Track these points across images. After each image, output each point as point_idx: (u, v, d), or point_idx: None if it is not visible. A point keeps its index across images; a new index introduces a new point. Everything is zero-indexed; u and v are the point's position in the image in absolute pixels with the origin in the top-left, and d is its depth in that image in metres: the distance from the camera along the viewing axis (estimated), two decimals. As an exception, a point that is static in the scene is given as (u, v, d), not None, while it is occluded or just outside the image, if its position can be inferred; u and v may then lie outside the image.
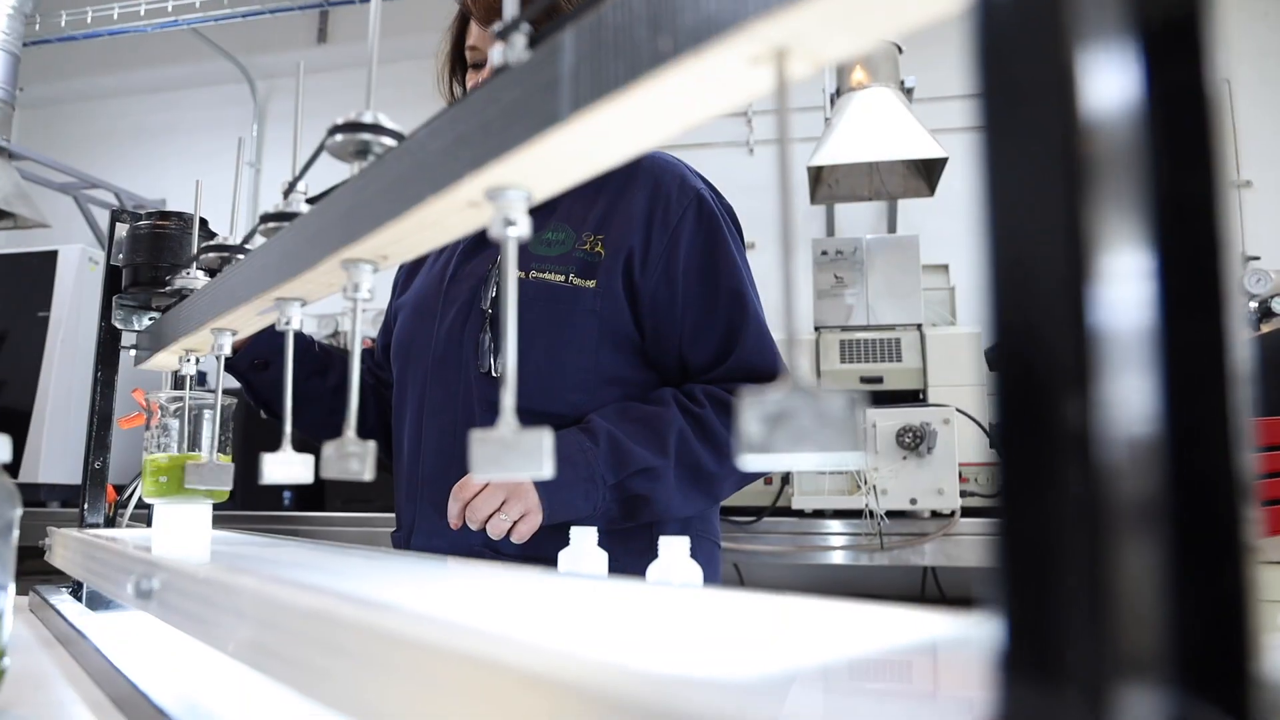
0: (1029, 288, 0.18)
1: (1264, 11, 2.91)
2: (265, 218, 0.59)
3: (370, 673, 0.30)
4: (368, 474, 0.50)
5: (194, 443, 0.81)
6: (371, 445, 0.53)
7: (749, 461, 0.24)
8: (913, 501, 1.88)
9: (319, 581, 0.45)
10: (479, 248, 1.13)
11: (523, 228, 0.36)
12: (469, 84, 1.13)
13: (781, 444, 0.23)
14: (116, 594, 0.53)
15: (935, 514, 1.94)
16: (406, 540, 1.08)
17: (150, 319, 0.96)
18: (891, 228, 2.94)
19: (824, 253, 2.27)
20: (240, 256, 0.71)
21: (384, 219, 0.42)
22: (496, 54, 0.37)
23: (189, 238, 0.89)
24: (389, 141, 0.48)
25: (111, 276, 0.94)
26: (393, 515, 2.23)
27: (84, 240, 3.29)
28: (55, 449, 2.62)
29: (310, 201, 0.60)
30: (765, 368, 1.03)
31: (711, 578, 1.14)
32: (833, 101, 2.40)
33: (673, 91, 0.28)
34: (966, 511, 1.93)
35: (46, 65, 3.61)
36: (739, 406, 0.24)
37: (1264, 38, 2.88)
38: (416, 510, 1.07)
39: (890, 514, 1.90)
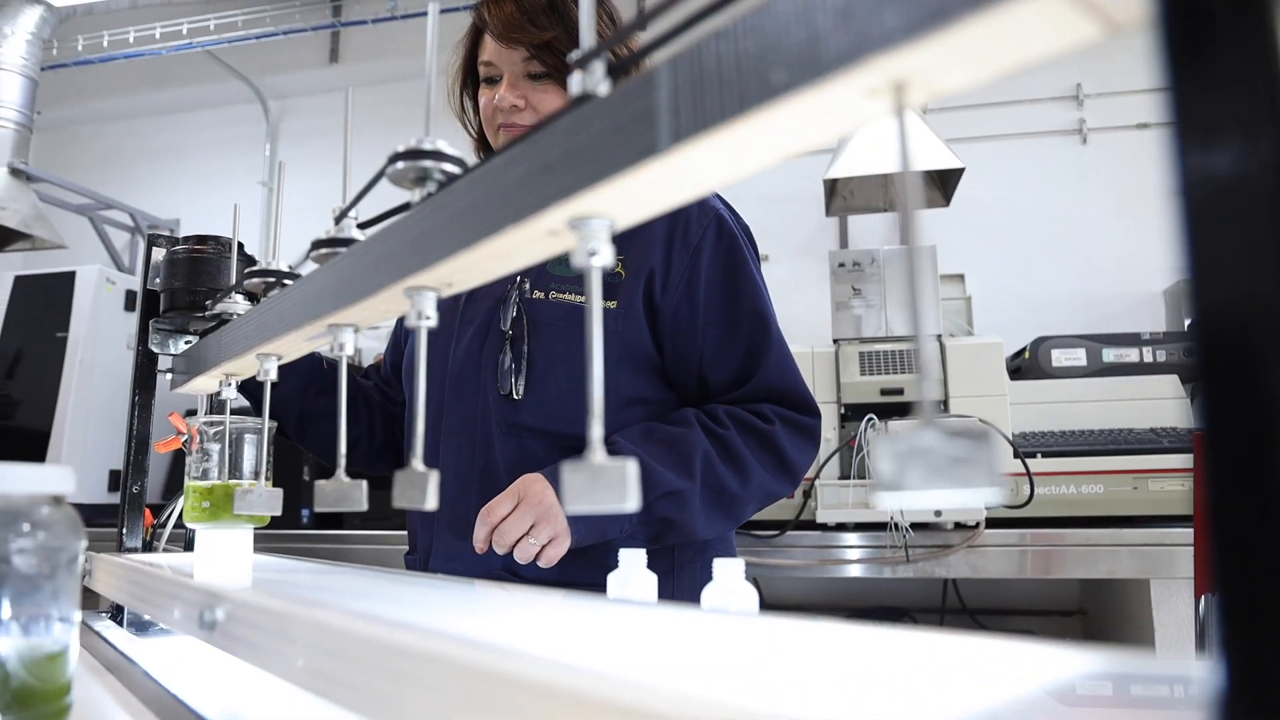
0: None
1: None
2: (318, 244, 0.59)
3: (460, 713, 0.30)
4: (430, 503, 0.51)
5: (234, 467, 0.81)
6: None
7: (884, 500, 0.23)
8: (937, 514, 1.87)
9: (389, 612, 0.45)
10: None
11: (606, 257, 0.36)
12: (482, 99, 1.12)
13: (914, 481, 0.23)
14: (173, 623, 0.53)
15: (959, 525, 1.93)
16: (423, 563, 1.08)
17: (186, 343, 0.96)
18: (904, 238, 2.93)
19: (840, 264, 2.27)
20: (287, 282, 0.71)
21: (456, 247, 0.41)
22: (575, 82, 0.37)
23: (226, 262, 0.89)
24: (451, 168, 0.48)
25: (148, 301, 0.94)
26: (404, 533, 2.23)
27: (99, 260, 3.31)
28: (73, 469, 2.62)
29: (362, 227, 0.60)
30: (787, 389, 1.03)
31: None
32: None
33: (781, 123, 0.28)
34: (991, 522, 1.91)
35: (62, 88, 3.64)
36: (879, 442, 0.23)
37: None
38: (434, 533, 1.07)
39: (914, 526, 1.89)
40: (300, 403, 1.13)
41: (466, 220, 0.41)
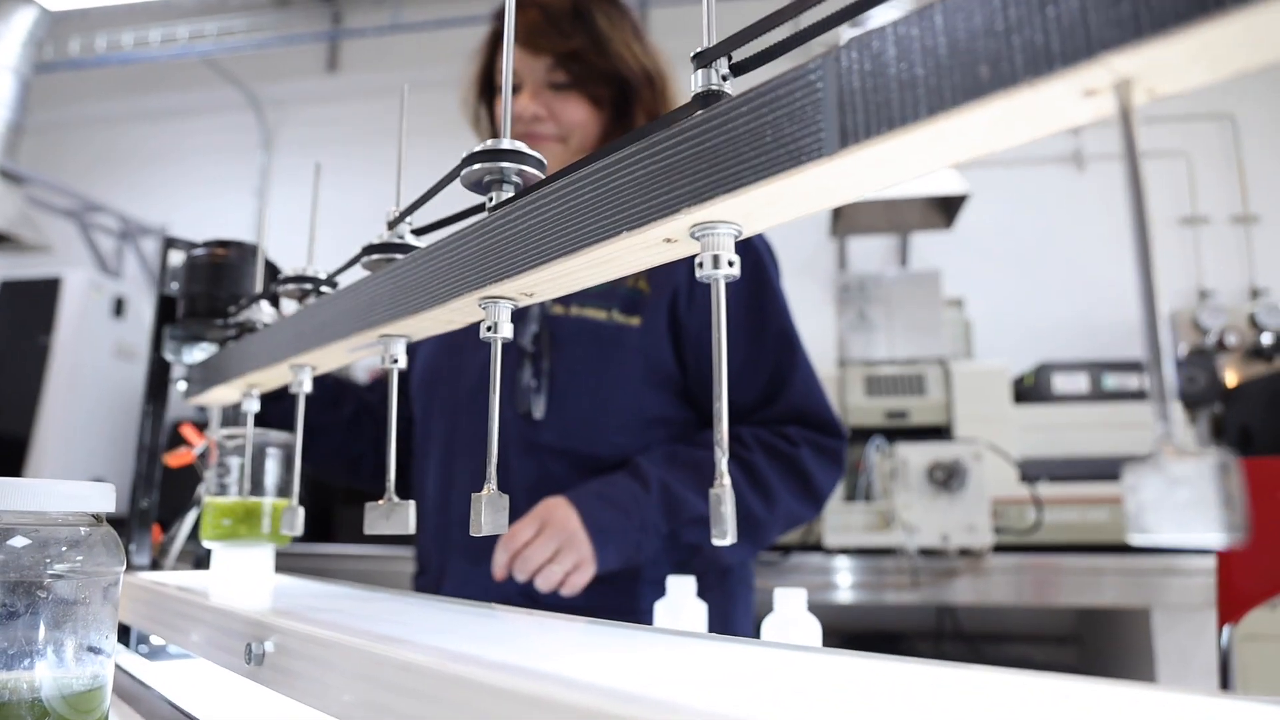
0: None
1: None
2: (371, 249, 0.56)
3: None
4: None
5: (256, 483, 0.77)
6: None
7: (1136, 539, 0.21)
8: (944, 538, 1.85)
9: (455, 646, 0.41)
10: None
11: (736, 269, 0.34)
12: (498, 110, 1.10)
13: (1165, 526, 0.21)
14: (208, 652, 0.49)
15: (963, 551, 1.91)
16: (435, 586, 1.03)
17: (202, 351, 0.92)
18: (903, 261, 2.94)
19: (846, 287, 2.26)
20: (326, 289, 0.68)
21: (550, 254, 0.39)
22: (697, 80, 0.35)
23: (248, 268, 0.86)
24: (530, 170, 0.46)
25: (163, 306, 0.90)
26: (404, 549, 2.18)
27: (84, 264, 3.25)
28: (57, 478, 2.55)
29: (418, 233, 0.57)
30: (813, 412, 1.01)
31: (745, 627, 1.10)
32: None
33: (974, 125, 0.25)
34: (996, 548, 1.90)
35: (53, 89, 3.58)
36: (1126, 484, 0.21)
37: (1271, 74, 2.93)
38: (446, 556, 1.02)
39: (920, 551, 1.87)
40: (307, 415, 1.09)
41: (565, 225, 0.38)
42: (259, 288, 0.84)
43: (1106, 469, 1.98)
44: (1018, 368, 2.43)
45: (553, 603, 0.93)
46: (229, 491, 0.76)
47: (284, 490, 0.78)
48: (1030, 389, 2.29)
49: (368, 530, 0.54)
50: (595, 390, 0.97)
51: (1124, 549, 1.90)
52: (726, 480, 0.33)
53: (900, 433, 2.09)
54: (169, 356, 0.89)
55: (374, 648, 0.39)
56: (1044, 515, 1.87)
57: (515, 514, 0.97)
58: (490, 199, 0.46)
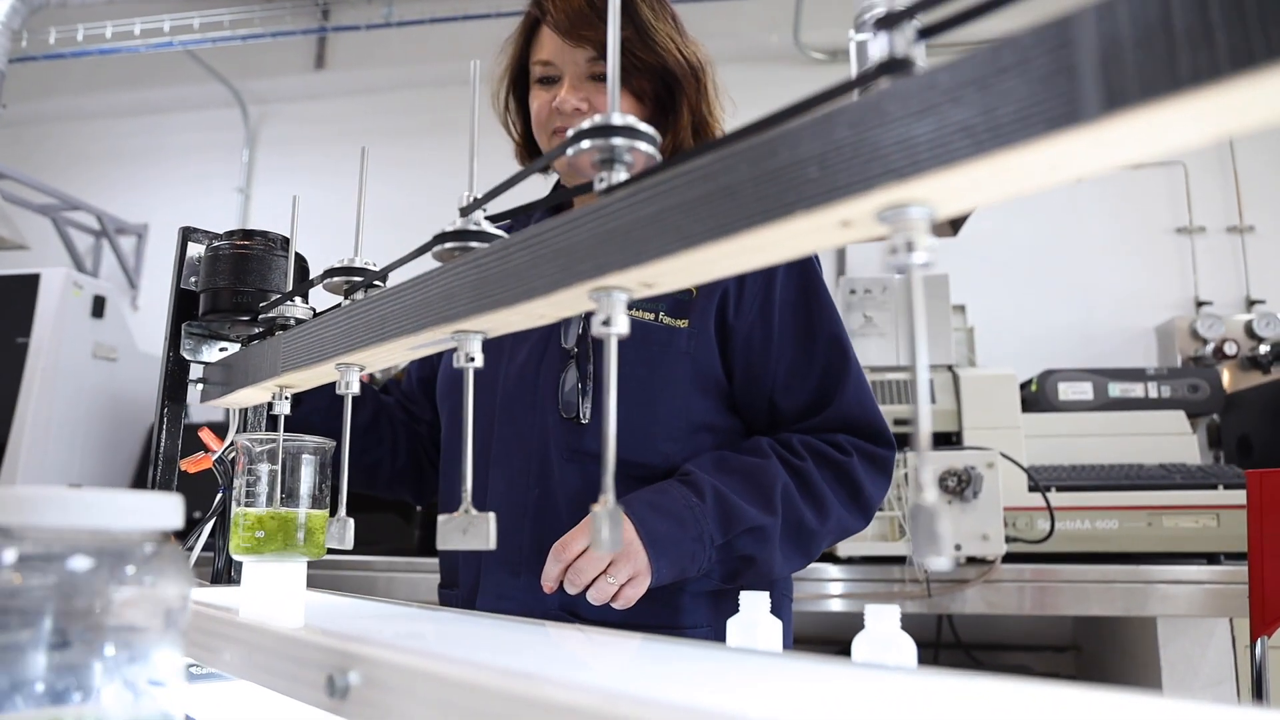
0: None
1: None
2: (443, 236, 0.51)
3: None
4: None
5: (289, 492, 0.71)
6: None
7: None
8: (957, 547, 1.82)
9: (573, 676, 0.37)
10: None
11: (930, 256, 0.30)
12: (535, 101, 1.05)
13: None
14: (277, 683, 0.44)
15: (972, 560, 1.89)
16: (469, 600, 0.98)
17: (221, 350, 0.86)
18: (901, 269, 2.93)
19: (852, 291, 2.23)
20: (379, 283, 0.63)
21: (694, 240, 0.35)
22: (878, 47, 0.31)
23: (276, 261, 0.80)
24: (646, 148, 0.42)
25: (180, 301, 0.84)
26: (402, 559, 2.11)
27: (60, 263, 3.14)
28: (33, 484, 2.45)
29: (494, 220, 0.52)
30: (865, 420, 0.97)
31: (788, 640, 1.06)
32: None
33: (1265, 93, 0.21)
34: (1006, 557, 1.88)
35: (29, 82, 3.47)
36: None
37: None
38: (480, 568, 0.97)
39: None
40: (324, 422, 1.03)
41: (714, 207, 0.34)
42: (289, 281, 0.79)
43: (1114, 477, 1.97)
44: (1021, 375, 2.42)
45: (594, 616, 0.89)
46: (258, 501, 0.71)
47: (317, 500, 0.73)
48: (1034, 396, 2.28)
49: (442, 545, 0.49)
50: (643, 395, 0.92)
51: (1132, 558, 1.89)
52: (930, 494, 0.29)
53: (909, 440, 2.06)
54: (186, 355, 0.83)
55: (487, 680, 0.34)
56: (1059, 524, 1.85)
57: (558, 523, 0.92)
58: (600, 180, 0.42)
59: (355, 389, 0.62)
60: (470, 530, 0.48)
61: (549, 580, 0.80)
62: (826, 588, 1.90)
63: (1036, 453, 2.10)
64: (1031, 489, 1.92)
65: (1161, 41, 0.23)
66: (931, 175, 0.28)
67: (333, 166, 3.53)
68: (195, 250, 0.85)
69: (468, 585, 0.97)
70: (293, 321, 0.73)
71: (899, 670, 0.48)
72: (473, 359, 0.50)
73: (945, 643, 2.60)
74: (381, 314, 0.56)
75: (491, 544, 0.48)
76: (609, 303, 0.41)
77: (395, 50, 3.50)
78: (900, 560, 1.87)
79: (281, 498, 0.70)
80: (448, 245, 0.51)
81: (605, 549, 0.38)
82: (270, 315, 0.73)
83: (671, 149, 1.07)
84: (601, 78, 1.00)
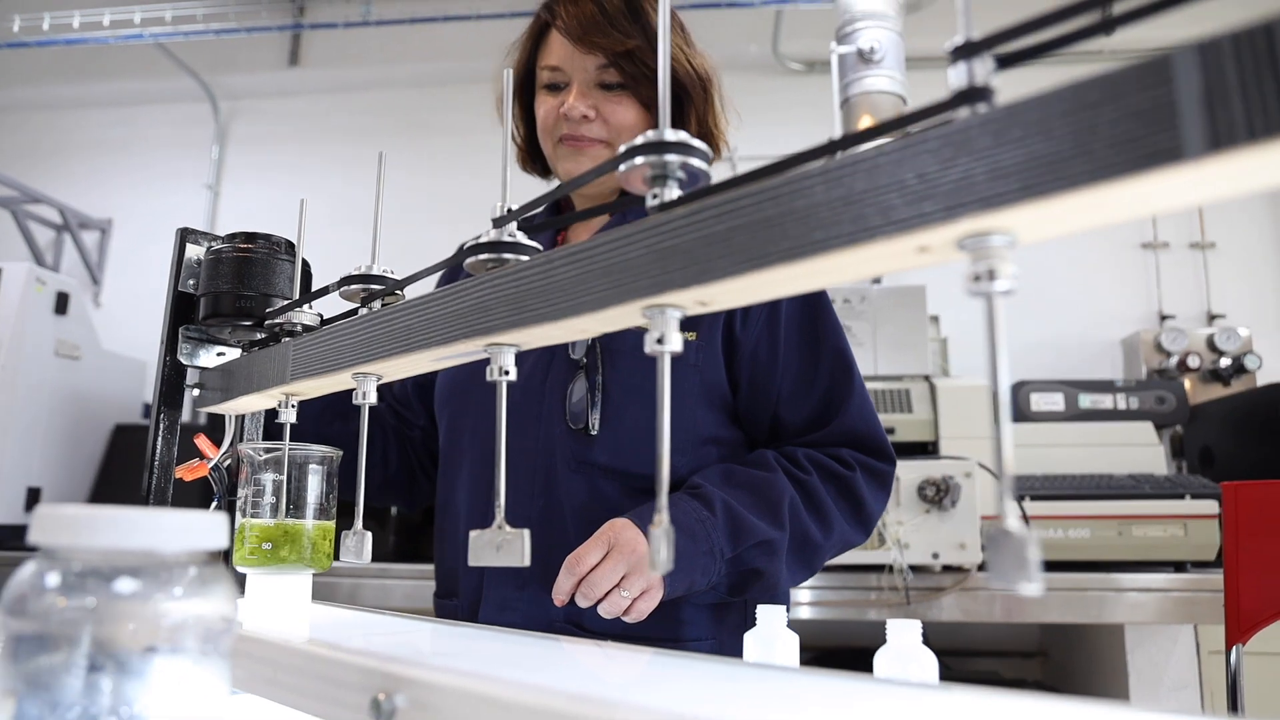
0: None
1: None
2: (477, 248, 0.51)
3: None
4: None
5: (295, 502, 0.70)
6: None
7: None
8: (935, 556, 1.85)
9: (615, 694, 0.37)
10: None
11: (1014, 285, 0.30)
12: (541, 107, 1.04)
13: None
14: (314, 707, 0.43)
15: (947, 568, 1.92)
16: (470, 611, 0.97)
17: (219, 354, 0.84)
18: (877, 278, 2.97)
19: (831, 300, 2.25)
20: (400, 293, 0.62)
21: (762, 260, 0.35)
22: (958, 75, 0.31)
23: (280, 264, 0.79)
24: (697, 164, 0.41)
25: (177, 303, 0.82)
26: (376, 565, 2.08)
27: (19, 257, 3.05)
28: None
29: (524, 229, 0.52)
30: (868, 435, 0.98)
31: None
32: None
33: None
34: (983, 565, 1.91)
35: (-12, 71, 3.36)
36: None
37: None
38: (482, 578, 0.96)
39: (912, 569, 1.86)
40: (315, 429, 1.01)
41: (783, 228, 0.34)
42: (295, 286, 0.77)
43: (1086, 487, 2.02)
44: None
45: (598, 628, 0.88)
46: (264, 512, 0.69)
47: (324, 510, 0.71)
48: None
49: (474, 562, 0.48)
50: (648, 405, 0.92)
51: (1103, 566, 1.94)
52: (1013, 522, 0.29)
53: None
54: (184, 359, 0.81)
55: (552, 703, 0.34)
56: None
57: (563, 535, 0.91)
58: (654, 196, 0.41)
59: (373, 398, 0.61)
60: (504, 547, 0.48)
61: (561, 594, 0.79)
62: (806, 594, 1.91)
63: (1013, 462, 2.13)
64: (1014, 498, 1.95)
65: (1270, 81, 0.24)
66: (1019, 207, 0.28)
67: (305, 165, 3.48)
68: (193, 252, 0.83)
69: (469, 596, 0.96)
70: (300, 328, 0.71)
71: (923, 686, 0.49)
72: (507, 372, 0.50)
73: (916, 649, 2.63)
74: (407, 324, 0.55)
75: (526, 560, 0.47)
76: (663, 320, 0.40)
77: (372, 49, 3.45)
78: (879, 568, 1.89)
79: (288, 508, 0.68)
80: (481, 257, 0.51)
81: (662, 569, 0.38)
82: (278, 321, 0.71)
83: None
84: (610, 85, 1.00)
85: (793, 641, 0.64)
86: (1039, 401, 2.27)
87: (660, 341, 0.40)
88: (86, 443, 2.70)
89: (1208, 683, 2.02)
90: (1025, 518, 1.86)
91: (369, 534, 0.58)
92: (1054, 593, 1.92)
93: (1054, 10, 0.30)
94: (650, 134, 0.42)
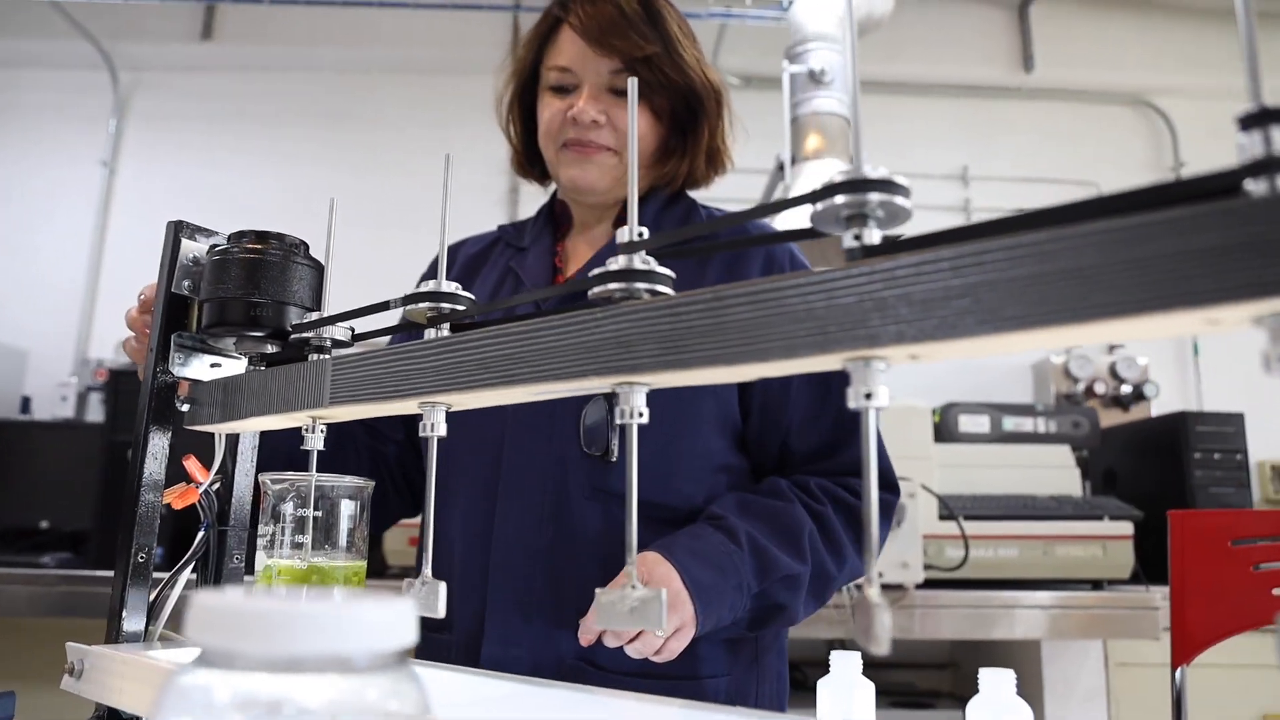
0: None
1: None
2: (606, 276, 0.46)
3: None
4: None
5: (324, 539, 0.62)
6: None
7: None
8: (880, 575, 1.89)
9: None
10: (569, 305, 1.00)
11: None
12: (548, 109, 1.00)
13: None
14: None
15: (888, 586, 1.97)
16: (470, 646, 0.89)
17: (213, 365, 0.75)
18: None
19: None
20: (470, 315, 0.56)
21: (1017, 323, 0.32)
22: (1253, 143, 0.30)
23: (297, 268, 0.71)
24: (902, 202, 0.39)
25: (170, 307, 0.73)
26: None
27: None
28: None
29: (655, 255, 0.48)
30: (879, 466, 0.97)
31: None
32: (783, 170, 2.44)
33: None
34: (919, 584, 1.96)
35: None
36: None
37: (1124, 145, 3.29)
38: (484, 609, 0.89)
39: (857, 586, 1.90)
40: (289, 448, 0.92)
41: (1042, 290, 0.32)
42: (316, 294, 0.70)
43: (1013, 508, 2.11)
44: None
45: (613, 666, 0.84)
46: (287, 549, 0.62)
47: (355, 548, 0.64)
48: (938, 428, 2.41)
49: (601, 625, 0.44)
50: (667, 432, 0.88)
51: (1029, 584, 2.03)
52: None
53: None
54: (175, 369, 0.72)
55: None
56: (970, 552, 1.96)
57: (576, 566, 0.87)
58: (855, 238, 0.39)
59: (442, 431, 0.55)
60: (638, 610, 0.44)
61: (590, 634, 0.75)
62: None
63: (941, 483, 2.21)
64: (943, 517, 2.02)
65: None
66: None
67: (213, 147, 3.24)
68: (190, 249, 0.74)
69: (465, 630, 0.89)
70: (329, 343, 0.64)
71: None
72: (639, 414, 0.46)
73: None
74: (507, 352, 0.50)
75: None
76: (867, 374, 0.38)
77: (294, 28, 3.26)
78: (826, 586, 1.91)
79: (320, 545, 0.61)
80: (610, 286, 0.46)
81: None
82: (305, 335, 0.64)
83: (687, 173, 1.04)
84: (623, 91, 0.96)
85: (868, 690, 0.62)
86: (966, 423, 2.37)
87: (869, 397, 0.37)
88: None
89: (1114, 693, 2.15)
90: (964, 536, 1.92)
91: (442, 584, 0.52)
92: (991, 610, 1.99)
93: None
94: (847, 170, 0.39)
